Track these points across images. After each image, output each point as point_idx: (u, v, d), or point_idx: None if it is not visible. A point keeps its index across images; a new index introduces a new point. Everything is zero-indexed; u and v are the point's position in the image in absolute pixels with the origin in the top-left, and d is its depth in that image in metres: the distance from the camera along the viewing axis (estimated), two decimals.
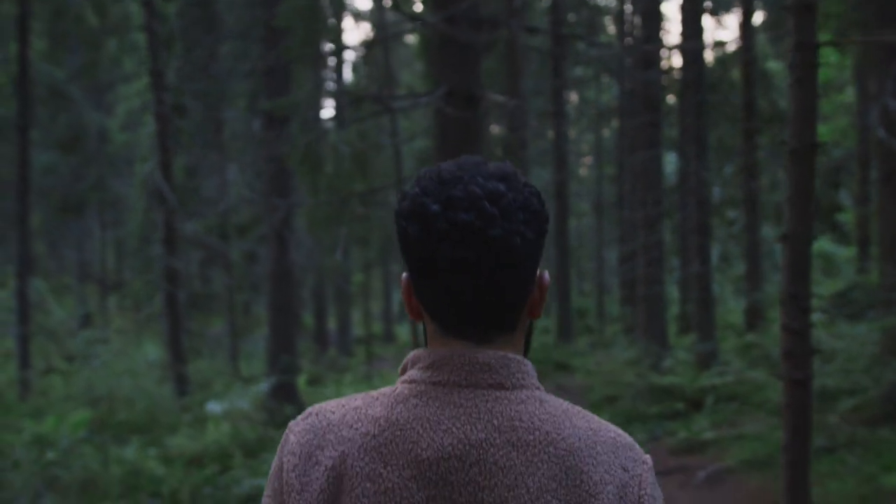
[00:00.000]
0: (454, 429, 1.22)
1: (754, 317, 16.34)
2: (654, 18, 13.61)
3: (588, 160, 31.82)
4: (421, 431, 1.23)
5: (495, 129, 20.24)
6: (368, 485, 1.21)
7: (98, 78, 23.76)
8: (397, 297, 28.29)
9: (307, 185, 9.68)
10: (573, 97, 26.28)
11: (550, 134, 24.61)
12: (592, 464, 1.22)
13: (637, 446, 1.30)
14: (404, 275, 1.32)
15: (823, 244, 23.67)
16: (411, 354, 1.32)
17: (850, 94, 23.25)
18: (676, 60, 19.75)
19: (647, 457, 1.30)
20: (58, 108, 22.63)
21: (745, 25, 15.15)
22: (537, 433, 1.22)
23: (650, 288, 13.35)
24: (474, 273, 1.22)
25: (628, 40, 21.64)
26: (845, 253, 22.97)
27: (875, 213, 15.08)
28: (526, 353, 1.40)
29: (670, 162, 21.80)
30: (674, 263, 21.46)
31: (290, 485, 1.26)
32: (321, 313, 24.83)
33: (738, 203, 21.62)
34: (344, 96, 7.20)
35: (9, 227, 20.98)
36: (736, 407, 10.24)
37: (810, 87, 3.41)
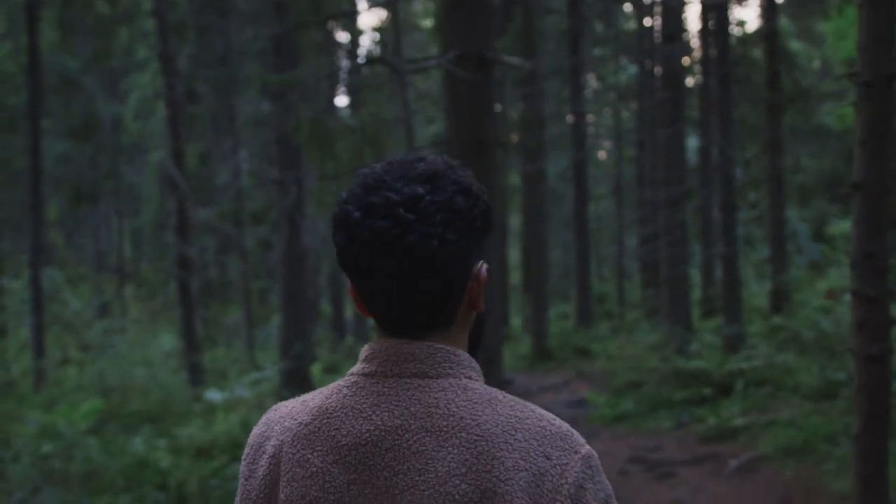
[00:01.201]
0: (374, 416, 1.25)
1: (779, 299, 15.68)
2: None
3: (607, 143, 31.18)
4: (344, 419, 1.27)
5: (512, 112, 19.66)
6: (298, 469, 1.27)
7: (110, 66, 23.38)
8: None
9: (316, 163, 9.17)
10: (592, 81, 25.65)
11: (569, 118, 24.02)
12: (507, 449, 1.21)
13: (574, 437, 1.26)
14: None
15: (848, 226, 23.00)
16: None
17: None
18: (695, 39, 19.10)
19: (587, 448, 1.25)
20: (70, 97, 22.24)
21: (771, 25, 14.48)
22: (451, 419, 1.23)
23: (673, 270, 12.75)
24: (395, 278, 1.24)
25: (647, 20, 21.00)
26: None
27: None
28: (476, 347, 1.40)
29: (691, 143, 21.16)
30: (694, 248, 20.85)
31: (242, 473, 1.36)
32: (338, 301, 24.35)
33: (761, 184, 20.98)
34: (353, 65, 6.74)
35: (23, 216, 20.62)
36: (767, 392, 9.64)
37: (885, 7, 2.83)
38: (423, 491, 1.21)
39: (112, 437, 10.07)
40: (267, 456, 1.33)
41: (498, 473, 1.19)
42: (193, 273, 18.65)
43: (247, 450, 1.37)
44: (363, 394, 1.28)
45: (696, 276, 21.47)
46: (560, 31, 19.91)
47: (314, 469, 1.26)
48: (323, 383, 16.42)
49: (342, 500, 1.25)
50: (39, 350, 15.73)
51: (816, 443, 7.77)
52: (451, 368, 1.29)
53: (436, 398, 1.25)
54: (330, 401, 1.30)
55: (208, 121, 20.40)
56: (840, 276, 19.30)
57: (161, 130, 19.28)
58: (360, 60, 6.49)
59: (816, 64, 25.21)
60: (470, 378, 1.30)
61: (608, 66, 23.26)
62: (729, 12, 12.79)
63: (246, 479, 1.35)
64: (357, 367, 1.33)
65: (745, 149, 20.23)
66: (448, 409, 1.24)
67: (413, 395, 1.26)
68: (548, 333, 17.17)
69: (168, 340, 20.79)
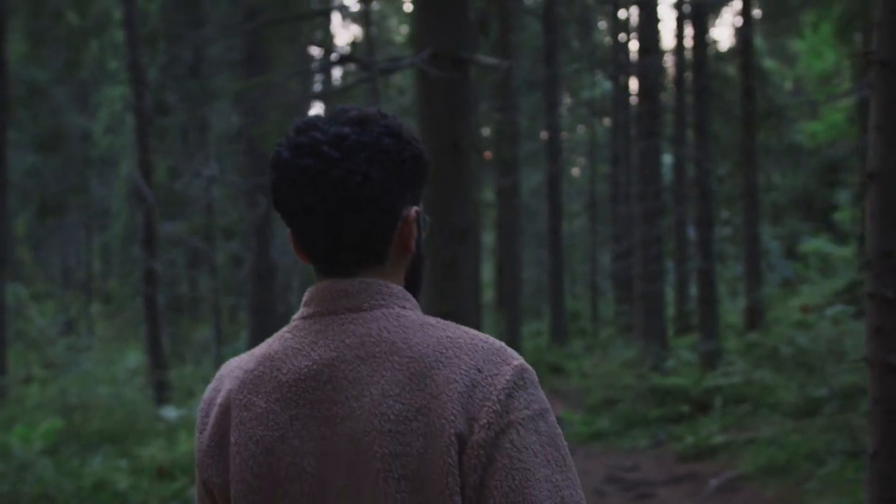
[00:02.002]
0: (312, 353, 1.29)
1: (754, 316, 15.46)
2: (651, 3, 12.77)
3: (581, 160, 31.01)
4: (285, 360, 1.31)
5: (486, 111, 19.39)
6: (245, 413, 1.30)
7: (80, 78, 22.87)
8: None
9: None
10: (566, 98, 25.47)
11: (543, 134, 23.83)
12: (439, 367, 1.23)
13: (508, 352, 1.27)
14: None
15: (820, 244, 22.92)
16: None
17: (847, 94, 22.49)
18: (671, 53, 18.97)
19: (521, 362, 1.26)
20: (38, 109, 21.70)
21: (746, 13, 14.31)
22: (384, 345, 1.26)
23: (649, 285, 12.47)
24: (321, 215, 1.28)
25: (622, 36, 20.87)
26: (842, 252, 22.21)
27: None
28: (416, 290, 1.41)
29: (665, 160, 20.98)
30: (668, 265, 20.64)
31: (196, 429, 1.39)
32: None
33: (734, 201, 20.85)
34: (324, 64, 6.42)
35: None
36: (746, 409, 9.35)
37: None
38: (360, 416, 1.23)
39: (68, 458, 9.60)
40: (217, 407, 1.34)
41: (430, 390, 1.21)
42: (160, 288, 18.14)
43: (200, 405, 1.40)
44: (302, 334, 1.31)
45: (669, 293, 21.26)
46: (535, 45, 19.69)
47: (259, 410, 1.29)
48: None
49: (286, 435, 1.27)
50: (1, 367, 15.18)
51: (798, 462, 7.47)
52: (383, 300, 1.31)
53: (369, 328, 1.28)
54: (273, 347, 1.34)
55: (179, 133, 19.94)
56: (812, 293, 19.19)
57: (131, 143, 18.82)
58: (331, 59, 6.17)
59: (788, 84, 25.21)
60: (403, 307, 1.32)
61: (583, 80, 23.10)
62: (707, 24, 12.58)
63: (199, 433, 1.37)
64: (297, 313, 1.36)
65: (719, 166, 20.07)
66: (380, 335, 1.27)
67: (347, 328, 1.29)
68: (521, 350, 16.83)
69: (134, 357, 20.21)
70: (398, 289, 1.34)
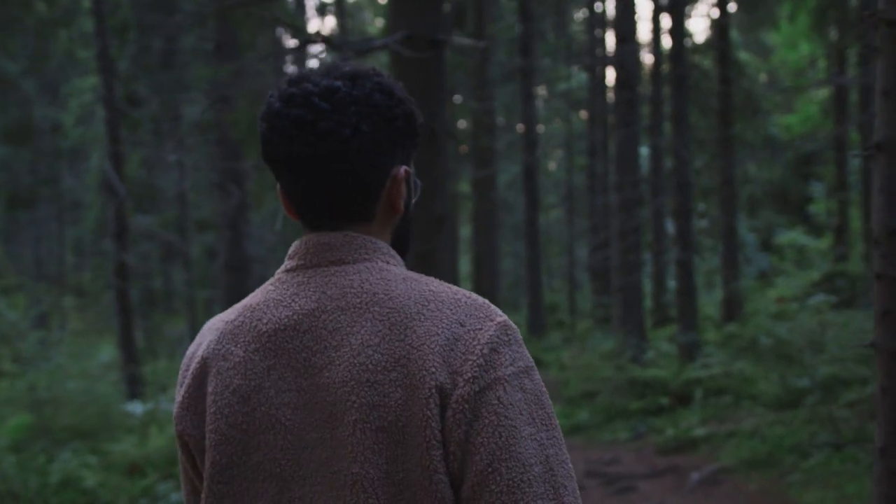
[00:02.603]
0: (293, 303, 1.28)
1: (732, 308, 15.36)
2: None
3: (557, 153, 30.84)
4: (265, 310, 1.29)
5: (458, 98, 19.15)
6: (222, 363, 1.29)
7: (49, 69, 22.39)
8: None
9: (254, 159, 8.52)
10: (542, 91, 25.28)
11: (519, 126, 23.64)
12: (420, 319, 1.21)
13: (491, 308, 1.26)
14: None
15: (795, 236, 22.90)
16: None
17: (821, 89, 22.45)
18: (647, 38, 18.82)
19: (505, 318, 1.25)
20: (7, 100, 21.21)
21: (722, 3, 14.16)
22: (365, 296, 1.25)
23: (627, 276, 12.29)
24: (309, 166, 1.27)
25: (598, 31, 20.69)
26: (818, 244, 22.21)
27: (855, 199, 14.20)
28: (404, 248, 1.40)
29: (642, 153, 20.84)
30: (645, 257, 20.51)
31: (177, 383, 1.38)
32: None
33: (710, 193, 20.75)
34: (295, 46, 6.14)
35: None
36: (727, 401, 9.19)
37: None
38: (339, 365, 1.21)
39: (35, 455, 9.31)
40: (197, 358, 1.33)
41: (411, 341, 1.20)
42: (133, 281, 17.77)
43: (183, 361, 1.37)
44: (285, 287, 1.31)
45: (647, 285, 21.15)
46: (511, 37, 19.48)
47: (237, 359, 1.28)
48: None
49: (262, 385, 1.26)
50: None
51: (781, 454, 7.32)
52: (367, 254, 1.30)
53: (350, 280, 1.27)
54: (255, 298, 1.33)
55: (151, 125, 19.54)
56: (788, 285, 19.15)
57: (102, 134, 18.41)
58: (301, 39, 5.90)
59: (763, 77, 25.15)
60: (387, 262, 1.31)
61: (559, 72, 22.91)
62: (684, 13, 12.41)
63: (179, 387, 1.36)
64: (281, 267, 1.35)
65: (696, 157, 19.96)
66: (362, 287, 1.26)
67: (330, 280, 1.28)
68: None
69: (107, 352, 19.84)
70: (383, 244, 1.33)
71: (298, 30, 5.62)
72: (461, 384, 1.17)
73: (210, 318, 1.41)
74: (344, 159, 1.26)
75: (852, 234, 17.75)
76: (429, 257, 6.37)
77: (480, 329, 1.21)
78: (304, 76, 1.30)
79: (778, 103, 22.12)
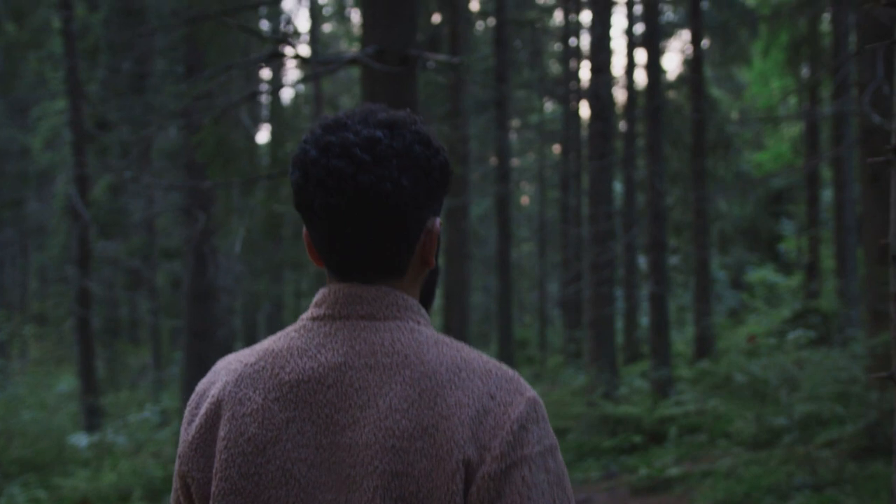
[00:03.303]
0: (318, 355, 1.24)
1: (704, 344, 15.10)
2: (603, 23, 12.43)
3: (530, 188, 30.69)
4: (289, 358, 1.24)
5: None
6: (238, 407, 1.23)
7: (19, 91, 21.90)
8: None
9: (219, 179, 8.16)
10: (516, 124, 25.13)
11: (493, 160, 23.43)
12: (451, 387, 1.18)
13: (521, 382, 1.23)
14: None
15: (766, 274, 22.79)
16: None
17: (793, 128, 22.52)
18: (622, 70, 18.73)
19: (534, 394, 1.22)
20: None
21: (696, 39, 14.05)
22: (396, 356, 1.21)
23: (600, 310, 11.99)
24: (346, 219, 1.23)
25: (573, 64, 20.60)
26: (788, 282, 22.11)
27: (846, 226, 14.03)
28: (428, 304, 1.38)
29: (615, 187, 20.69)
30: (616, 292, 20.30)
31: (184, 419, 1.30)
32: (251, 342, 23.05)
33: (682, 229, 20.62)
34: (262, 57, 5.81)
35: None
36: (702, 439, 8.87)
37: None
38: (364, 427, 1.17)
39: None
40: (209, 398, 1.28)
41: (440, 410, 1.16)
42: (96, 309, 17.22)
43: (192, 397, 1.33)
44: (310, 335, 1.26)
45: (618, 320, 20.89)
46: (485, 68, 19.32)
47: (254, 406, 1.23)
48: None
49: (279, 437, 1.20)
50: None
51: (758, 495, 7.00)
52: (398, 312, 1.26)
53: (381, 337, 1.23)
54: (277, 343, 1.28)
55: (119, 150, 19.09)
56: (759, 322, 18.97)
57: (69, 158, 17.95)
58: (266, 57, 5.62)
59: (734, 115, 25.19)
60: (418, 323, 1.28)
61: (533, 103, 22.77)
62: (660, 44, 12.27)
63: (187, 425, 1.30)
64: (307, 313, 1.30)
65: (668, 193, 19.83)
66: (393, 347, 1.22)
67: (359, 334, 1.24)
68: None
69: (67, 382, 19.21)
70: (414, 302, 1.30)
71: (266, 40, 5.30)
72: (488, 461, 1.15)
73: (226, 356, 1.36)
74: (382, 214, 1.22)
75: (824, 272, 17.61)
76: None
77: (511, 403, 1.18)
78: (341, 123, 1.25)
79: (749, 140, 22.11)
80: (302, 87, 25.26)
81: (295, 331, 1.28)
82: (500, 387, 1.19)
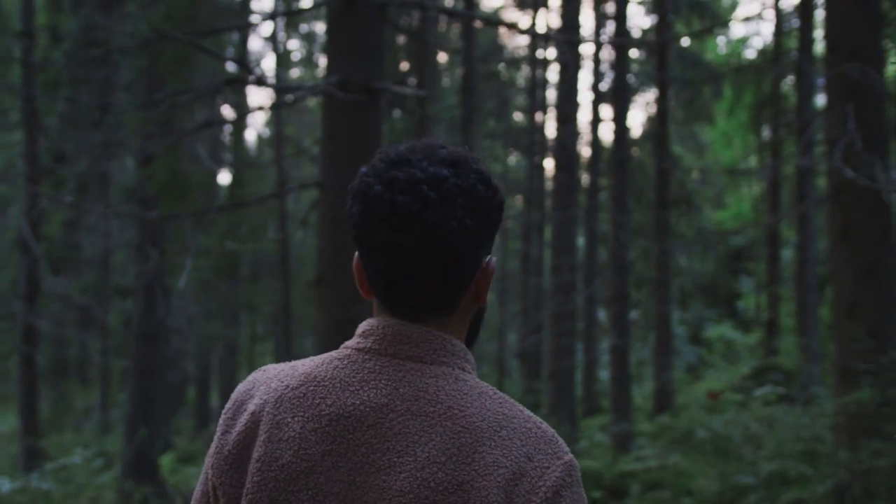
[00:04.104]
0: (361, 391, 1.22)
1: (664, 399, 14.82)
2: (571, 76, 12.33)
3: None
4: (331, 389, 1.23)
5: None
6: (275, 432, 1.22)
7: None
8: None
9: (168, 214, 7.77)
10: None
11: None
12: (490, 445, 1.17)
13: (560, 444, 1.22)
14: (357, 252, 1.30)
15: (725, 330, 22.71)
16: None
17: (753, 185, 22.66)
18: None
19: (570, 457, 1.21)
20: None
21: (662, 95, 14.01)
22: (439, 406, 1.19)
23: (561, 362, 11.68)
24: (408, 256, 1.21)
25: (539, 115, 20.56)
26: (746, 339, 22.03)
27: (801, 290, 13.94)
28: (472, 341, 1.37)
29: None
30: (576, 345, 20.02)
31: (219, 427, 1.29)
32: (204, 385, 22.35)
33: (642, 284, 20.48)
34: (219, 84, 5.50)
35: None
36: (664, 496, 8.52)
37: None
38: (400, 473, 1.16)
39: None
40: (247, 413, 1.26)
41: (477, 467, 1.15)
42: (43, 347, 16.54)
43: (228, 404, 1.31)
44: (354, 368, 1.25)
45: (577, 373, 20.57)
46: (451, 118, 19.19)
47: (292, 434, 1.21)
48: (175, 474, 14.54)
49: (314, 469, 1.19)
50: None
51: None
52: (445, 357, 1.25)
53: (426, 383, 1.22)
54: (320, 369, 1.26)
55: (76, 184, 18.55)
56: (718, 378, 18.79)
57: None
58: (223, 83, 5.34)
59: (696, 174, 25.34)
60: (463, 370, 1.26)
61: (498, 155, 22.70)
62: (627, 97, 12.17)
63: (222, 434, 1.28)
64: (352, 342, 1.29)
65: (631, 246, 19.73)
66: (437, 395, 1.20)
67: (404, 376, 1.22)
68: None
69: (8, 421, 18.40)
70: (461, 347, 1.29)
71: (227, 62, 4.99)
72: None
73: (266, 365, 1.35)
74: (445, 253, 1.21)
75: (782, 330, 17.52)
76: (348, 327, 5.66)
77: (548, 468, 1.17)
78: (405, 158, 1.24)
79: (710, 198, 22.18)
80: (266, 128, 24.95)
81: (339, 359, 1.26)
82: (539, 449, 1.18)
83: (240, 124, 16.92)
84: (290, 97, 5.37)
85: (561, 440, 1.22)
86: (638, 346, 23.25)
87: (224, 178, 18.84)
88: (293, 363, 1.31)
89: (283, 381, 1.27)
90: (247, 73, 4.95)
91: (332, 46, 5.86)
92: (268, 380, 1.29)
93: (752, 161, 20.22)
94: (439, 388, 1.20)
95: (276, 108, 6.14)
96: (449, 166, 1.23)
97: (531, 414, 1.23)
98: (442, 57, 21.83)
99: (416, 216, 1.19)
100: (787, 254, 18.72)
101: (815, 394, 9.70)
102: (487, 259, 1.29)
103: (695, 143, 21.86)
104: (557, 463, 1.17)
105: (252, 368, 21.55)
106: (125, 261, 20.36)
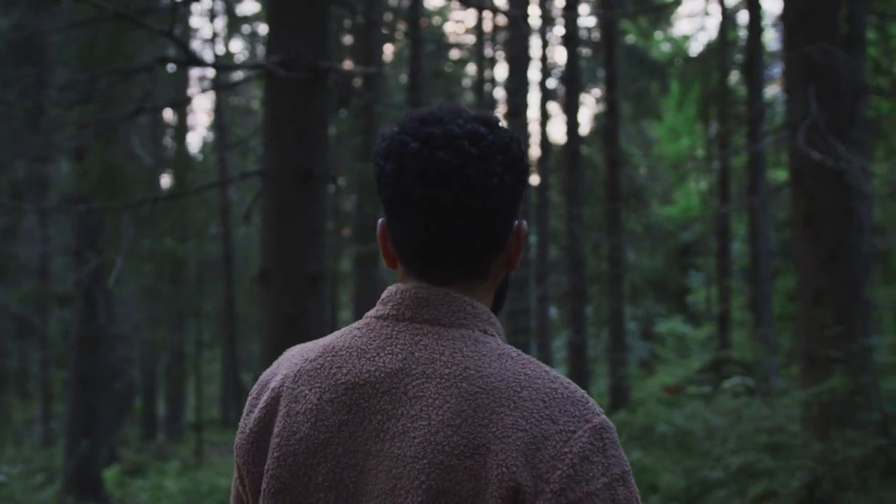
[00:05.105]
0: (377, 358, 1.18)
1: (619, 395, 14.56)
2: (519, 67, 11.99)
3: None
4: (347, 358, 1.20)
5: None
6: (293, 405, 1.20)
7: None
8: (242, 377, 24.73)
9: (108, 213, 7.22)
10: None
11: None
12: (509, 406, 1.10)
13: (589, 405, 1.13)
14: (381, 220, 1.26)
15: (676, 325, 22.62)
16: None
17: (702, 184, 22.63)
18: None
19: (602, 419, 1.11)
20: None
21: (610, 87, 13.75)
22: (455, 367, 1.14)
23: None
24: (447, 213, 1.16)
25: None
26: (697, 333, 21.97)
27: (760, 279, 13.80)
28: (500, 305, 1.32)
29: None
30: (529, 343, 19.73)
31: (244, 409, 1.27)
32: (150, 394, 21.57)
33: (594, 281, 20.28)
34: (152, 62, 5.03)
35: None
36: None
37: None
38: (414, 438, 1.11)
39: None
40: (269, 390, 1.24)
41: (495, 430, 1.08)
42: None
43: (254, 386, 1.29)
44: (372, 335, 1.20)
45: None
46: (398, 116, 18.80)
47: (309, 405, 1.18)
48: (121, 488, 13.88)
49: (331, 440, 1.16)
50: None
51: None
52: (465, 319, 1.19)
53: (443, 346, 1.16)
54: (339, 340, 1.23)
55: (11, 190, 17.73)
56: (671, 373, 18.64)
57: None
58: (155, 61, 4.91)
59: (643, 170, 25.28)
60: (485, 332, 1.20)
61: None
62: (579, 91, 11.87)
63: (246, 415, 1.26)
64: (373, 310, 1.25)
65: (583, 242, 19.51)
66: (454, 357, 1.15)
67: (420, 340, 1.17)
68: None
69: None
70: (484, 309, 1.22)
71: (164, 36, 4.51)
72: (547, 494, 1.05)
73: (293, 346, 1.33)
74: (486, 211, 1.16)
75: (733, 323, 17.41)
76: (297, 322, 5.20)
77: (574, 432, 1.08)
78: (435, 117, 1.19)
79: (658, 193, 22.08)
80: (210, 132, 24.22)
81: (358, 328, 1.23)
82: (565, 410, 1.10)
83: (179, 111, 16.23)
84: (231, 79, 4.94)
85: (592, 402, 1.13)
86: (591, 343, 23.08)
87: (166, 178, 18.19)
88: (319, 339, 1.27)
89: (303, 356, 1.24)
90: (184, 52, 4.48)
91: (274, 23, 5.40)
92: (290, 357, 1.27)
93: (701, 154, 20.14)
94: (456, 350, 1.14)
95: (216, 89, 5.69)
96: (482, 123, 1.19)
97: (559, 375, 1.15)
98: (387, 56, 21.40)
99: (455, 171, 1.14)
100: (737, 247, 18.64)
101: (776, 385, 9.48)
102: (518, 222, 1.24)
103: (643, 140, 21.74)
104: (585, 426, 1.09)
105: (199, 375, 20.87)
106: (64, 268, 19.57)
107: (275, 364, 1.29)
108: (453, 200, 1.14)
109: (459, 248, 1.17)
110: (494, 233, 1.18)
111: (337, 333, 1.25)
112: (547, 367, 1.16)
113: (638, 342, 22.59)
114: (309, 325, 5.32)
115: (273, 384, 1.24)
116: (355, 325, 1.24)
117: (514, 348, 1.18)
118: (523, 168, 1.21)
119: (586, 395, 1.14)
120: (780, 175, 17.77)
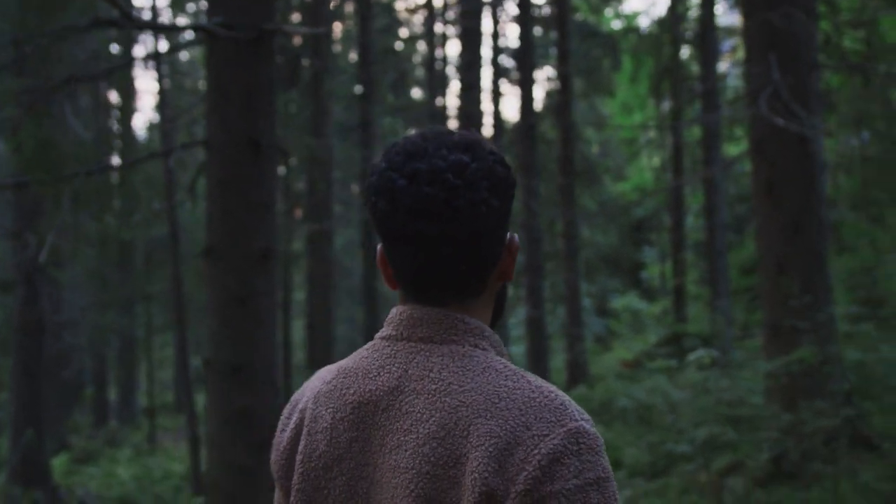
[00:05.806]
0: (378, 377, 1.24)
1: (577, 371, 14.44)
2: (473, 40, 11.67)
3: None
4: (355, 378, 1.26)
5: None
6: (313, 424, 1.28)
7: None
8: (194, 361, 24.07)
9: (44, 192, 6.79)
10: (380, 150, 24.14)
11: (354, 187, 22.46)
12: (486, 417, 1.13)
13: (567, 412, 1.13)
14: (379, 246, 1.30)
15: (630, 300, 22.62)
16: None
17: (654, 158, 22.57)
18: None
19: (578, 424, 1.11)
20: None
21: (563, 61, 13.49)
22: (441, 383, 1.19)
23: None
24: (434, 242, 1.20)
25: (439, 97, 19.88)
26: (651, 308, 21.99)
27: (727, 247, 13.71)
28: (499, 316, 1.37)
29: None
30: None
31: (278, 427, 1.36)
32: (101, 379, 20.96)
33: (549, 258, 20.15)
34: (85, 25, 4.66)
35: None
36: None
37: None
38: (406, 451, 1.17)
39: None
40: (297, 411, 1.33)
41: (472, 440, 1.12)
42: None
43: (286, 407, 1.38)
44: (376, 355, 1.27)
45: None
46: (348, 94, 18.33)
47: (325, 424, 1.26)
48: (70, 476, 13.40)
49: (344, 456, 1.24)
50: None
51: None
52: (456, 335, 1.24)
53: (433, 363, 1.22)
54: (351, 361, 1.30)
55: None
56: (627, 348, 18.61)
57: None
58: (88, 23, 4.56)
59: (596, 148, 25.17)
60: (476, 346, 1.24)
61: (398, 132, 21.96)
62: (532, 66, 11.59)
63: (279, 433, 1.35)
64: (380, 331, 1.31)
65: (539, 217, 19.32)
66: (440, 374, 1.20)
67: (414, 358, 1.23)
68: None
69: None
70: (476, 324, 1.25)
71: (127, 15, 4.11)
72: (513, 495, 1.09)
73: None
74: (476, 237, 1.20)
75: (688, 297, 17.38)
76: (245, 305, 4.86)
77: (546, 436, 1.10)
78: (420, 148, 1.22)
79: (611, 169, 21.97)
80: (155, 112, 23.53)
81: (366, 349, 1.30)
82: (540, 417, 1.11)
83: (123, 91, 15.63)
84: (170, 43, 4.57)
85: (575, 409, 1.13)
86: (549, 320, 22.98)
87: (113, 158, 17.55)
88: (339, 361, 1.34)
89: (322, 378, 1.32)
90: (120, 11, 4.10)
91: None
92: (315, 377, 1.35)
93: (653, 132, 20.04)
94: (443, 366, 1.19)
95: (155, 57, 5.31)
96: (465, 151, 1.21)
97: (543, 385, 1.16)
98: (336, 34, 20.91)
99: (444, 204, 1.17)
100: (690, 221, 18.60)
101: (735, 357, 9.38)
102: (509, 236, 1.29)
103: (595, 116, 21.58)
104: (560, 430, 1.10)
105: (151, 360, 20.31)
106: (3, 252, 18.85)
107: (304, 385, 1.36)
108: (439, 232, 1.18)
109: (445, 275, 1.22)
110: (480, 256, 1.22)
111: (352, 355, 1.31)
112: (533, 379, 1.16)
113: (593, 318, 22.54)
114: (259, 306, 4.99)
115: (300, 405, 1.33)
116: (365, 346, 1.30)
117: (503, 361, 1.20)
118: (510, 185, 1.23)
119: (569, 402, 1.14)
120: (734, 150, 17.73)
